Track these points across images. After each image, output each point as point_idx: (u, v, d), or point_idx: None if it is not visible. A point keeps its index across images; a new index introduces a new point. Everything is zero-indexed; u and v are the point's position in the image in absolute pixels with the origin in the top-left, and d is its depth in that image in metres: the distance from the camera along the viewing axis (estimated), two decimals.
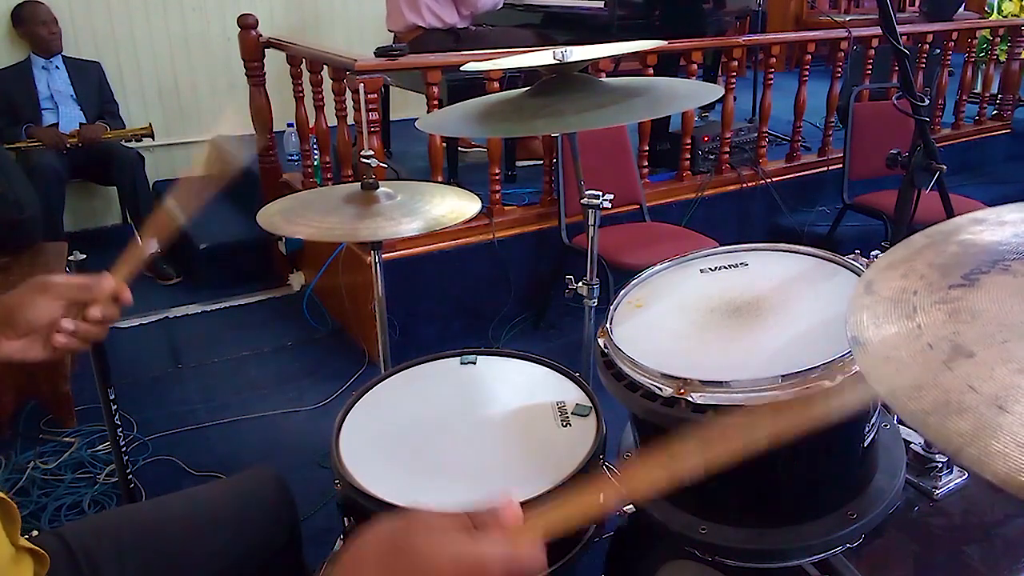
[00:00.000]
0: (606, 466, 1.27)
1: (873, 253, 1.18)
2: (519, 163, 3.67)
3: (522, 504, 0.58)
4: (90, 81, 3.91)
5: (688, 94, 1.33)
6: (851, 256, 1.16)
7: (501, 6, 3.69)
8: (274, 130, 3.63)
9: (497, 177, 2.99)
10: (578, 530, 1.13)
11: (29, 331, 0.90)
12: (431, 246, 2.89)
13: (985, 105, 4.67)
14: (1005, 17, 6.16)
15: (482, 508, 0.56)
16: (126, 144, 3.80)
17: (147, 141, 3.96)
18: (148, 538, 1.07)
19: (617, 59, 4.03)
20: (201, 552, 1.08)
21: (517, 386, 1.39)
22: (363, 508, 1.13)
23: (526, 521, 0.57)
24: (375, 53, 2.75)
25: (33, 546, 0.89)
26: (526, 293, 3.16)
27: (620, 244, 2.74)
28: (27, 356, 0.90)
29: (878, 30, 3.59)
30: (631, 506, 1.23)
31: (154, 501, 1.17)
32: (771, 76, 3.55)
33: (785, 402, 0.84)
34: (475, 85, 2.85)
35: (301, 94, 3.35)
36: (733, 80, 3.44)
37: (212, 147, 1.07)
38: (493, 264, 3.03)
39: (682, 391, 0.93)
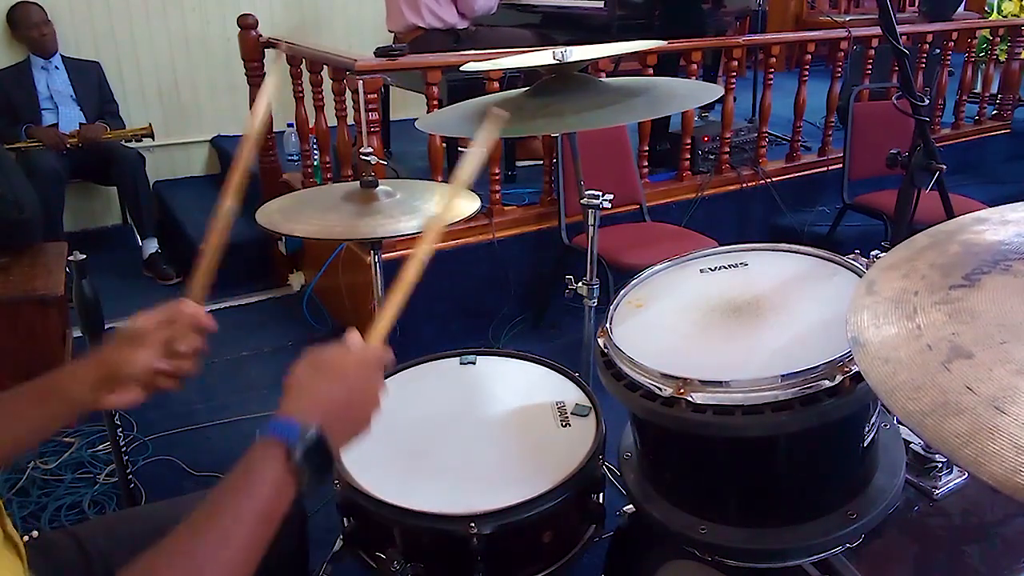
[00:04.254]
0: (606, 466, 1.27)
1: (873, 253, 1.18)
2: (519, 163, 3.67)
3: None
4: (90, 81, 3.91)
5: (688, 94, 1.33)
6: (851, 256, 1.16)
7: (495, 10, 3.69)
8: (274, 130, 3.63)
9: (497, 177, 2.99)
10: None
11: (130, 383, 0.93)
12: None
13: (985, 105, 4.67)
14: (1005, 17, 6.15)
15: (343, 342, 0.86)
16: (126, 144, 3.80)
17: (147, 141, 3.96)
18: (161, 539, 1.07)
19: (617, 59, 4.03)
20: None
21: (517, 386, 1.39)
22: (363, 508, 1.13)
23: (370, 335, 0.89)
24: (375, 53, 2.75)
25: (16, 538, 0.89)
26: (526, 293, 3.15)
27: (620, 244, 2.73)
28: (128, 404, 0.95)
29: (878, 30, 3.59)
30: (631, 506, 1.23)
31: (167, 503, 1.18)
32: (771, 76, 3.55)
33: None
34: (475, 85, 2.85)
35: (301, 94, 3.35)
36: (733, 80, 3.43)
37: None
38: (493, 264, 3.03)
39: (682, 391, 0.93)
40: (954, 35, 4.21)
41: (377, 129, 2.69)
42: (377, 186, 1.65)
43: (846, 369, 0.89)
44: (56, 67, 3.82)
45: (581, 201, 1.66)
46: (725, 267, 1.22)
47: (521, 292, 3.14)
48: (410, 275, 0.92)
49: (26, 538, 0.91)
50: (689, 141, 3.44)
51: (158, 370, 0.94)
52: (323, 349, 0.84)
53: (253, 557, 0.71)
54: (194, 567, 0.67)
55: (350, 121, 2.95)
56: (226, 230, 1.06)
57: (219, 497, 0.72)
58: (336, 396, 0.81)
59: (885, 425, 1.09)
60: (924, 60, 4.01)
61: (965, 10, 5.96)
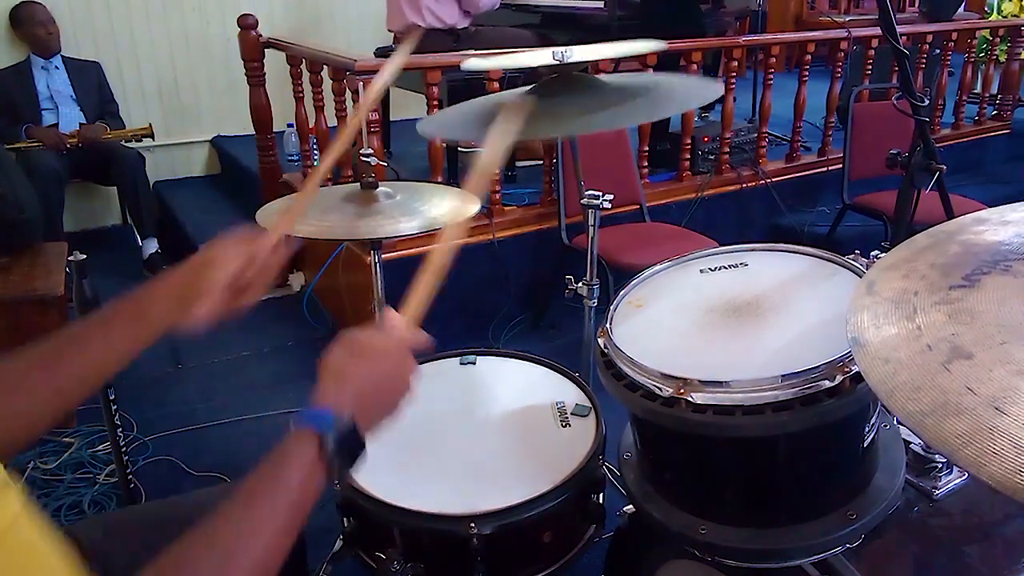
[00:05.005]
0: (606, 466, 1.27)
1: (873, 253, 1.18)
2: (519, 163, 3.67)
3: None
4: (90, 81, 3.91)
5: (688, 93, 1.32)
6: (851, 256, 1.16)
7: (498, 6, 3.69)
8: (274, 130, 3.63)
9: (497, 177, 2.99)
10: None
11: (211, 299, 0.92)
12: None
13: (985, 105, 4.67)
14: (1005, 17, 6.15)
15: (379, 324, 0.88)
16: (126, 144, 3.80)
17: (147, 141, 3.96)
18: (158, 539, 1.07)
19: (616, 60, 4.03)
20: None
21: (517, 386, 1.39)
22: (363, 508, 1.13)
23: (406, 317, 0.89)
24: (375, 53, 2.75)
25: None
26: (526, 293, 3.15)
27: (620, 244, 2.73)
28: (201, 325, 0.93)
29: (878, 30, 3.59)
30: (631, 506, 1.23)
31: (165, 501, 1.18)
32: (771, 76, 3.55)
33: None
34: (475, 85, 2.85)
35: (301, 94, 3.35)
36: (733, 80, 3.44)
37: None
38: (493, 264, 3.03)
39: (682, 391, 0.93)
40: (954, 35, 4.21)
41: (377, 129, 2.70)
42: (377, 187, 1.65)
43: (846, 369, 0.89)
44: (56, 67, 3.82)
45: (581, 201, 1.66)
46: (725, 267, 1.22)
47: (521, 292, 3.14)
48: (442, 258, 0.94)
49: None
50: (689, 141, 3.44)
51: (229, 291, 0.94)
52: (358, 332, 0.85)
53: (285, 545, 0.72)
54: (228, 557, 0.68)
55: None
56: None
57: (253, 487, 0.73)
58: (370, 381, 0.82)
59: (885, 425, 1.09)
60: (924, 60, 4.00)
61: (965, 10, 5.96)
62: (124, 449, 1.82)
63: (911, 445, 1.15)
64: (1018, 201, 0.78)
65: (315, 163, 3.36)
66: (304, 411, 0.77)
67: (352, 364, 0.82)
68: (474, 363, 1.47)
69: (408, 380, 0.86)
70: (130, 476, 1.86)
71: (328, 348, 0.84)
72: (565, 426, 1.27)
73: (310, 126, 3.27)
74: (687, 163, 3.47)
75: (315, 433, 0.75)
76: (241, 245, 0.96)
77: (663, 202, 3.39)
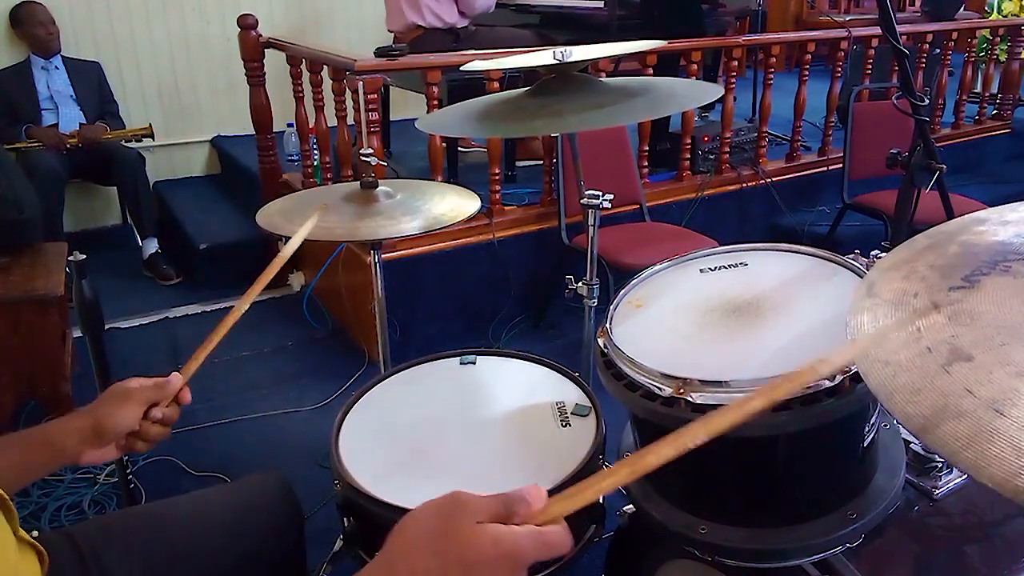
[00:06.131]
0: (605, 465, 1.27)
1: (873, 253, 1.18)
2: (519, 163, 3.67)
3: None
4: (90, 81, 3.91)
5: (688, 94, 1.33)
6: (851, 256, 1.16)
7: (493, 8, 3.69)
8: (274, 130, 3.63)
9: (497, 177, 2.99)
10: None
11: (114, 439, 0.97)
12: (431, 246, 2.89)
13: (985, 105, 4.67)
14: (1005, 17, 6.15)
15: (512, 495, 0.62)
16: (126, 144, 3.80)
17: (147, 141, 3.96)
18: (156, 540, 1.07)
19: (617, 59, 4.03)
20: (207, 555, 1.08)
21: (517, 386, 1.39)
22: (363, 508, 1.13)
23: (550, 506, 0.62)
24: (375, 53, 2.75)
25: (33, 540, 0.90)
26: (526, 293, 3.15)
27: (620, 244, 2.74)
28: (105, 459, 0.99)
29: (878, 30, 3.59)
30: (631, 506, 1.23)
31: (163, 503, 1.18)
32: (771, 76, 3.55)
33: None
34: (475, 85, 2.85)
35: (301, 94, 3.35)
36: (733, 80, 3.43)
37: None
38: (493, 264, 3.03)
39: (682, 391, 0.93)
40: (954, 35, 4.21)
41: (377, 129, 2.69)
42: (377, 187, 1.65)
43: (846, 369, 0.89)
44: (56, 67, 3.82)
45: (581, 201, 1.66)
46: (725, 267, 1.22)
47: (521, 292, 3.14)
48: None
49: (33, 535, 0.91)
50: (689, 141, 3.44)
51: (134, 431, 0.98)
52: (475, 506, 0.60)
53: None
54: None
55: (350, 121, 2.95)
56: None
57: None
58: None
59: (885, 425, 1.09)
60: (924, 60, 4.00)
61: (965, 10, 5.96)
62: None
63: (911, 445, 1.15)
64: (1018, 201, 0.78)
65: (315, 163, 3.36)
66: None
67: (425, 554, 0.58)
68: (474, 363, 1.47)
69: None
70: (130, 476, 1.85)
71: (425, 505, 0.62)
72: (565, 426, 1.27)
73: (310, 126, 3.27)
74: (687, 163, 3.47)
75: None
76: (148, 391, 0.99)
77: (663, 202, 3.40)
